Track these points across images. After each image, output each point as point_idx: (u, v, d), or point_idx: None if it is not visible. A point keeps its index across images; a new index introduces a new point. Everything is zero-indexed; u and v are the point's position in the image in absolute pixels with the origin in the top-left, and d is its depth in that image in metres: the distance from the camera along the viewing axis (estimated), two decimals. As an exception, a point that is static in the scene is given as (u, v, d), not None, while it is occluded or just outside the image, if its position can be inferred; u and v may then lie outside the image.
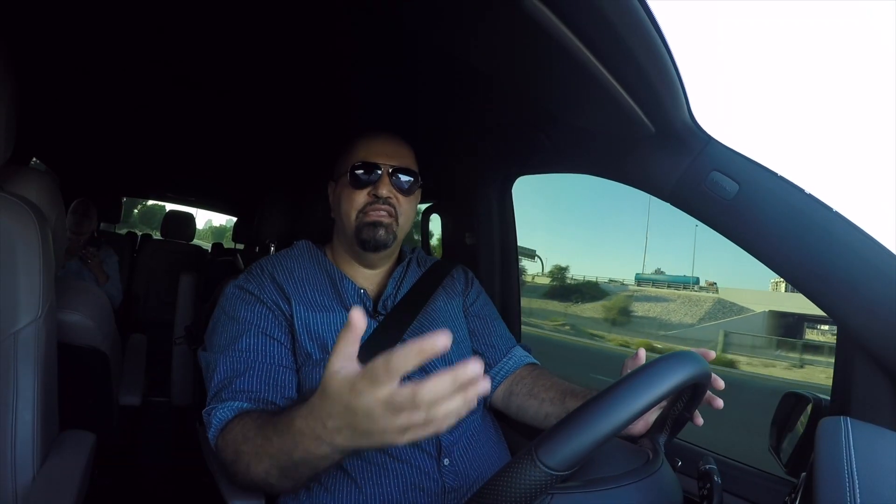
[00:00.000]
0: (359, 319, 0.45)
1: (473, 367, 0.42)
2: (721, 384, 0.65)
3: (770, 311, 15.58)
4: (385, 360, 0.43)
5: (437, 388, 0.43)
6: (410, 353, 0.42)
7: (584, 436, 0.44)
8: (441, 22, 0.72)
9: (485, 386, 0.43)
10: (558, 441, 0.43)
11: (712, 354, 0.68)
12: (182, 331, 1.37)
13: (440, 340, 0.41)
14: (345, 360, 0.48)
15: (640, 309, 19.06)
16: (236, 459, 0.65)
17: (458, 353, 0.89)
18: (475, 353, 0.94)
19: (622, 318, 17.55)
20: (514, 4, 0.53)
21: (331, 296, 0.85)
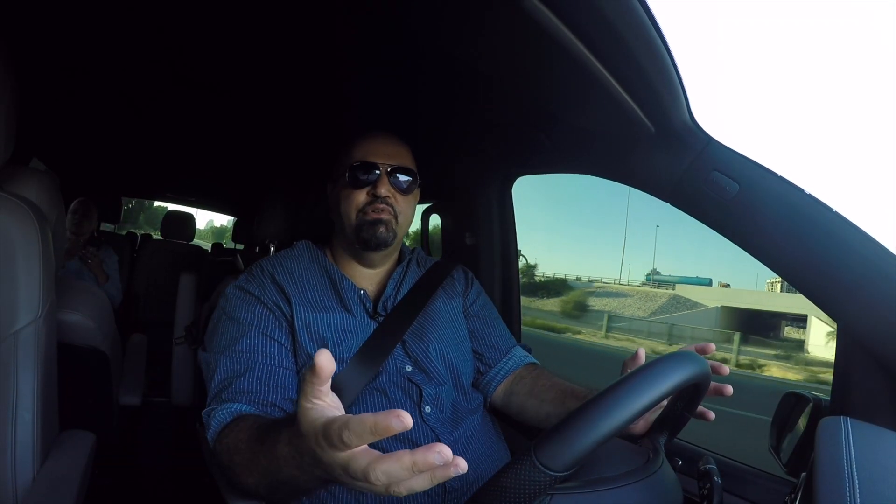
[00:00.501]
0: (325, 364, 0.41)
1: (439, 453, 0.36)
2: (729, 391, 0.65)
3: (722, 306, 17.16)
4: (339, 428, 0.39)
5: (390, 470, 0.38)
6: (364, 430, 0.38)
7: (584, 437, 0.43)
8: (441, 22, 0.72)
9: (458, 469, 0.37)
10: (557, 442, 0.43)
11: (712, 347, 0.67)
12: (182, 331, 1.37)
13: (395, 421, 0.36)
14: (313, 398, 0.44)
15: (596, 303, 20.60)
16: (230, 467, 0.65)
17: (458, 353, 0.89)
18: (475, 353, 0.94)
19: (575, 310, 18.92)
20: (514, 4, 0.53)
21: (331, 296, 0.85)
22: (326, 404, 0.44)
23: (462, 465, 0.37)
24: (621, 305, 20.26)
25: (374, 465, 0.39)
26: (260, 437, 0.61)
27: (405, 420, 0.36)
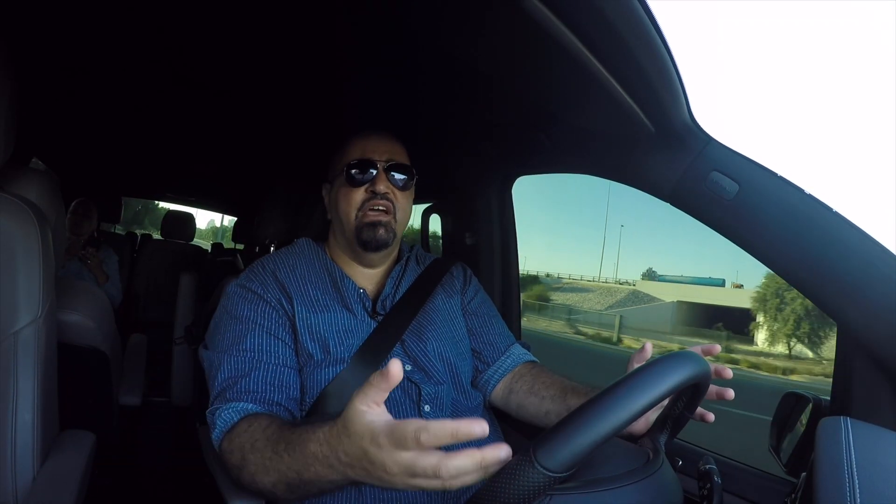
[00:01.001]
0: (397, 371, 0.45)
1: (503, 451, 0.43)
2: (731, 395, 0.66)
3: (679, 301, 19.13)
4: (417, 430, 0.43)
5: (462, 465, 0.43)
6: (444, 433, 0.43)
7: (583, 437, 0.43)
8: (441, 22, 0.72)
9: (506, 453, 0.44)
10: (556, 443, 0.43)
11: (717, 349, 0.69)
12: (182, 331, 1.37)
13: (477, 428, 0.42)
14: (373, 402, 0.47)
15: (559, 297, 22.47)
16: (242, 466, 0.65)
17: (456, 352, 0.88)
18: (473, 351, 0.94)
19: (537, 303, 20.42)
20: (514, 4, 0.53)
21: (332, 295, 0.85)
22: (380, 409, 0.48)
23: (505, 452, 0.43)
24: (583, 299, 22.05)
25: (446, 462, 0.43)
26: (285, 436, 0.61)
27: (485, 427, 0.42)
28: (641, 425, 0.69)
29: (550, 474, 0.42)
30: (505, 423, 0.96)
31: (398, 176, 0.86)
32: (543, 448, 0.43)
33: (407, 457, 0.45)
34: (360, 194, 0.85)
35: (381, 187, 0.84)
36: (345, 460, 0.51)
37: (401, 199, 0.86)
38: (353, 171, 0.85)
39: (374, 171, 0.84)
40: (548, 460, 0.43)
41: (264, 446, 0.63)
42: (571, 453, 0.43)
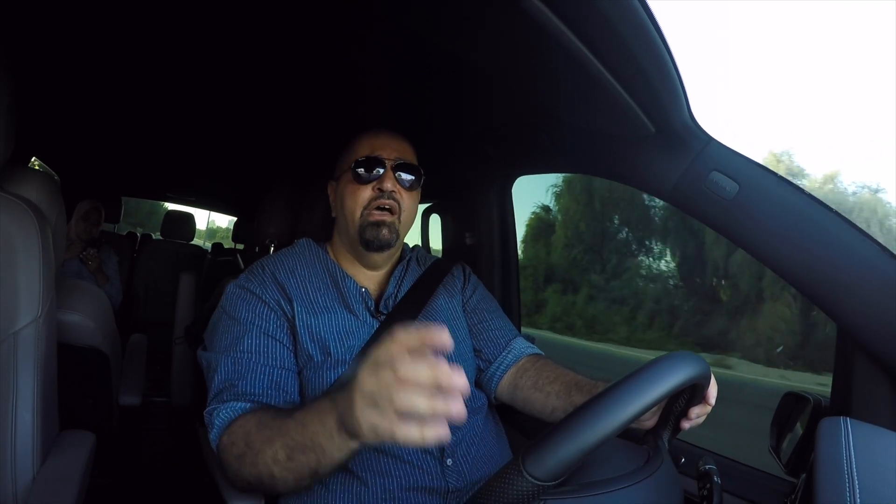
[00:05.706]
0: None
1: (462, 382, 0.44)
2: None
3: None
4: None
5: (417, 371, 0.44)
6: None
7: (573, 445, 0.43)
8: (442, 22, 0.72)
9: (458, 410, 0.43)
10: (546, 452, 0.43)
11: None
12: (182, 331, 1.37)
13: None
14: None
15: None
16: (245, 452, 0.64)
17: (459, 352, 0.88)
18: (475, 350, 0.93)
19: None
20: (514, 4, 0.53)
21: (333, 295, 0.85)
22: None
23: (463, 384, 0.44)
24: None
25: (403, 364, 0.45)
26: (286, 411, 0.64)
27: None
28: (650, 419, 0.68)
29: (539, 483, 0.42)
30: (507, 424, 0.96)
31: (405, 176, 0.85)
32: (533, 457, 0.43)
33: (376, 380, 0.46)
34: (366, 192, 0.84)
35: (388, 185, 0.83)
36: (338, 402, 0.53)
37: (406, 199, 0.86)
38: (361, 168, 0.84)
39: (382, 170, 0.84)
40: (536, 469, 0.42)
41: (270, 420, 0.64)
42: (560, 462, 0.43)
